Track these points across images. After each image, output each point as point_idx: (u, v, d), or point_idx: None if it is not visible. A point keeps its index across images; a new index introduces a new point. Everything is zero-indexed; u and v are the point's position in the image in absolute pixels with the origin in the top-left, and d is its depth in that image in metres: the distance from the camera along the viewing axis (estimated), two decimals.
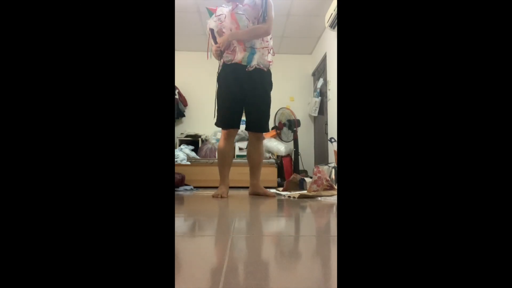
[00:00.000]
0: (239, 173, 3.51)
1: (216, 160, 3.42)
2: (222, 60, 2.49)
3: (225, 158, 2.50)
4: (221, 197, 2.36)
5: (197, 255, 0.82)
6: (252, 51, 2.40)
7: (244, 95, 2.43)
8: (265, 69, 2.44)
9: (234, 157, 3.63)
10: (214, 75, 2.57)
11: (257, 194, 2.55)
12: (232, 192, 2.82)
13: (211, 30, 2.48)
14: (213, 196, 2.40)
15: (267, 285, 0.58)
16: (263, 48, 2.43)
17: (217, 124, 2.53)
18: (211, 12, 2.57)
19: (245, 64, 2.38)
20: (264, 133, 2.58)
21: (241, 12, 2.40)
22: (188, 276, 0.63)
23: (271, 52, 2.49)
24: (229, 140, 2.50)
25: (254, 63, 2.38)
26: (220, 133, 2.57)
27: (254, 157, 2.53)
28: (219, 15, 2.47)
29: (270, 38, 2.48)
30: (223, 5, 2.50)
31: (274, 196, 2.45)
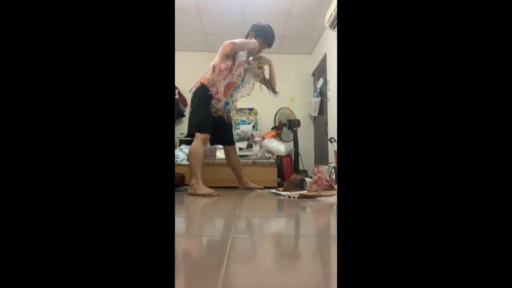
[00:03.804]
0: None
1: (216, 160, 3.58)
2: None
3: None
4: (218, 195, 2.40)
5: (197, 255, 0.82)
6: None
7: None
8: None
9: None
10: None
11: (248, 188, 3.02)
12: (230, 192, 2.82)
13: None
14: (207, 195, 2.43)
15: (267, 285, 0.58)
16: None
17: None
18: None
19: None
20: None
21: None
22: (188, 276, 0.63)
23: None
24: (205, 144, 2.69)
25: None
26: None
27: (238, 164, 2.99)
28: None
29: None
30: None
31: (262, 188, 3.03)
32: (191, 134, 2.69)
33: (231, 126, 3.02)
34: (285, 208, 1.82)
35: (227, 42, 2.59)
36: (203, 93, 2.66)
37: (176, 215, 1.46)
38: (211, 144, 3.01)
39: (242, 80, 2.78)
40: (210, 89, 2.61)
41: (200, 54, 5.12)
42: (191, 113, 2.72)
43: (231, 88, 2.73)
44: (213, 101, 2.64)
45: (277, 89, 2.99)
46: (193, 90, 2.72)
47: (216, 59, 2.65)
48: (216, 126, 2.76)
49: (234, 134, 3.22)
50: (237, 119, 4.65)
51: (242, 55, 2.65)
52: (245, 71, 2.74)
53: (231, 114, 2.93)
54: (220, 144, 3.01)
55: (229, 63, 2.62)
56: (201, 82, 2.68)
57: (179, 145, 4.47)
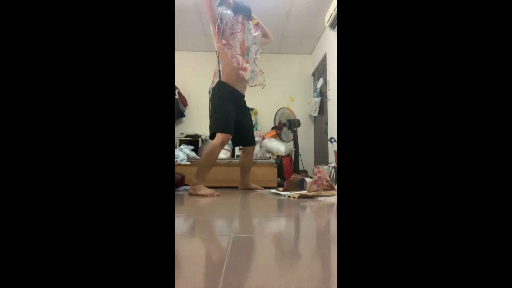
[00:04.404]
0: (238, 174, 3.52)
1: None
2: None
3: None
4: (218, 195, 2.39)
5: (197, 255, 0.82)
6: None
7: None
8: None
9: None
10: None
11: (248, 188, 3.02)
12: (230, 192, 2.83)
13: None
14: (206, 196, 2.42)
15: (267, 285, 0.58)
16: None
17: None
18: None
19: None
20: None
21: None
22: (188, 276, 0.63)
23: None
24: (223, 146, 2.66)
25: None
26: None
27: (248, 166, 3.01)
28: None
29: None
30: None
31: (262, 188, 3.04)
32: (212, 134, 2.61)
33: (252, 125, 2.99)
34: (285, 208, 1.82)
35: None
36: (222, 90, 2.63)
37: (176, 215, 1.46)
38: (234, 146, 3.00)
39: (247, 39, 2.76)
40: (233, 60, 2.59)
41: (200, 54, 5.12)
42: (211, 112, 2.66)
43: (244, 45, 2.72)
44: (241, 73, 2.61)
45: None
46: (211, 87, 2.69)
47: (216, 43, 2.64)
48: (239, 127, 2.72)
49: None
50: None
51: (225, 14, 2.62)
52: (245, 28, 2.72)
53: (260, 78, 2.80)
54: (244, 145, 2.93)
55: (223, 33, 2.63)
56: (218, 80, 2.66)
57: (179, 145, 4.47)
